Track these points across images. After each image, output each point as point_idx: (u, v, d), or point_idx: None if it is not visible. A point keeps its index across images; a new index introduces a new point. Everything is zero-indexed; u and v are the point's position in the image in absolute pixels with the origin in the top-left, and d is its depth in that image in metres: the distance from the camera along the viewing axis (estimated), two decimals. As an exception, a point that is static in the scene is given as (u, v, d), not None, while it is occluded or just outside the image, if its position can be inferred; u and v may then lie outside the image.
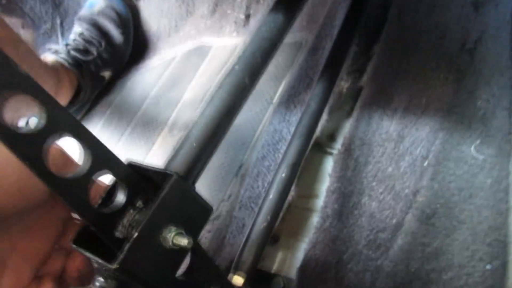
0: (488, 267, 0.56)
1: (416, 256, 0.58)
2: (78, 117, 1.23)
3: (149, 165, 0.41)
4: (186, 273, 0.44)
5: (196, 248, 0.44)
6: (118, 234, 0.38)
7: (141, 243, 0.35)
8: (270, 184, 0.62)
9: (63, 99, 1.18)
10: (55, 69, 1.14)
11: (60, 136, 0.32)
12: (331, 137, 0.77)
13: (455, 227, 0.59)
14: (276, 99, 0.94)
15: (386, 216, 0.62)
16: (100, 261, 0.36)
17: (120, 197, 0.39)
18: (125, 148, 1.12)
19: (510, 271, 0.54)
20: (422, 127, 0.67)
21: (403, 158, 0.65)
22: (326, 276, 0.61)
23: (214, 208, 0.89)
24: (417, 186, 0.61)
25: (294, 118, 0.81)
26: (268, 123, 0.87)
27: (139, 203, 0.40)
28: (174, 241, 0.36)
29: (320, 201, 0.72)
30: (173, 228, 0.37)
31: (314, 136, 0.73)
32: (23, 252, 0.36)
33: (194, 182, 0.43)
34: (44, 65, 1.12)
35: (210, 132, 0.44)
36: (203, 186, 0.94)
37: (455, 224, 0.58)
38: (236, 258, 0.57)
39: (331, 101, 0.77)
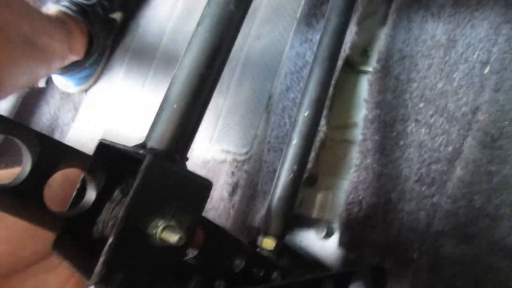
0: None
1: (481, 188, 0.48)
2: (99, 69, 1.15)
3: (120, 145, 0.33)
4: (199, 255, 0.37)
5: (206, 226, 0.37)
6: (96, 235, 0.31)
7: (121, 248, 0.28)
8: (293, 126, 0.52)
9: (78, 52, 1.10)
10: (61, 21, 1.05)
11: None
12: (364, 53, 0.64)
13: (530, 146, 0.47)
14: (299, 12, 0.80)
15: (439, 143, 0.51)
16: (78, 273, 0.29)
17: (90, 193, 0.32)
18: (151, 92, 1.05)
19: None
20: (479, 23, 0.53)
21: (457, 67, 0.52)
22: (373, 221, 0.53)
23: (248, 147, 0.82)
24: (476, 102, 0.49)
25: (318, 35, 0.68)
26: (289, 46, 0.74)
27: (117, 194, 0.32)
28: (162, 237, 0.29)
29: (358, 131, 0.62)
30: (160, 222, 0.29)
31: (342, 55, 0.60)
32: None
33: (183, 156, 0.34)
34: (48, 18, 1.03)
35: (194, 87, 0.34)
36: (234, 124, 0.87)
37: (530, 143, 0.47)
38: (264, 219, 0.50)
39: (359, 7, 0.63)
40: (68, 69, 1.07)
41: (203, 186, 0.33)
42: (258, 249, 0.49)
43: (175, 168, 0.31)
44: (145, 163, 0.28)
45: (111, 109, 1.04)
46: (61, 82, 1.10)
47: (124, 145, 0.33)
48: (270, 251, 0.47)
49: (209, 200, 0.88)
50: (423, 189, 0.51)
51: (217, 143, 0.89)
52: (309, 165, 0.58)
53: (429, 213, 0.50)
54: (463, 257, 0.47)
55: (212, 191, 0.89)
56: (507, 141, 0.47)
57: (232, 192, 0.81)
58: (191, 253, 0.37)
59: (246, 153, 0.83)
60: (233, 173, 0.83)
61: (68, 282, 0.36)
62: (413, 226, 0.51)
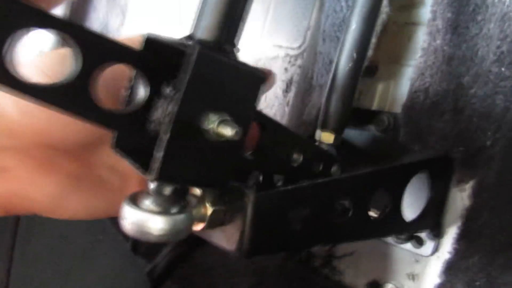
0: None
1: None
2: None
3: (168, 38, 0.31)
4: (256, 150, 0.37)
5: (261, 120, 0.36)
6: (152, 134, 0.31)
7: (177, 144, 0.28)
8: (351, 8, 0.47)
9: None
10: None
11: (27, 28, 0.23)
12: None
13: None
14: None
15: (527, 14, 0.43)
16: (139, 170, 0.30)
17: (141, 90, 0.31)
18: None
19: None
20: None
21: None
22: (441, 108, 0.49)
23: (300, 41, 0.77)
24: None
25: None
26: None
27: (169, 90, 0.31)
28: (218, 132, 0.28)
29: (426, 10, 0.55)
30: (214, 116, 0.28)
31: None
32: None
33: (233, 46, 0.31)
34: None
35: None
36: (284, 16, 0.81)
37: None
38: (321, 112, 0.47)
39: None
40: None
41: (256, 77, 0.31)
42: (316, 143, 0.47)
43: (226, 59, 0.29)
44: (194, 55, 0.27)
45: (158, 10, 1.01)
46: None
47: (171, 38, 0.31)
48: (328, 144, 0.46)
49: (262, 98, 0.86)
50: (502, 69, 0.45)
51: (268, 38, 0.84)
52: (370, 53, 0.53)
53: (507, 96, 0.45)
54: (545, 143, 0.42)
55: (266, 89, 0.87)
56: None
57: (286, 89, 0.78)
58: (248, 148, 0.36)
59: (299, 46, 0.78)
60: (286, 69, 0.79)
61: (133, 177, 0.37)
62: (488, 112, 0.46)
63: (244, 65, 0.30)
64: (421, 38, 0.54)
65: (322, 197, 0.39)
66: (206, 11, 0.30)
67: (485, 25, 0.46)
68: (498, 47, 0.45)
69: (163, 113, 0.30)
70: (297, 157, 0.40)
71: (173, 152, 0.27)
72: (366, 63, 0.53)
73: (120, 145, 0.31)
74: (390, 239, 0.56)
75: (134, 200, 0.30)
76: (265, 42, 0.84)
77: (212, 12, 0.30)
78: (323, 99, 0.49)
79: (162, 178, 0.28)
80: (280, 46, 0.81)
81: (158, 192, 0.30)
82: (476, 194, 0.46)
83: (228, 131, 0.27)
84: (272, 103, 0.80)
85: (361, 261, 0.62)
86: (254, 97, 0.30)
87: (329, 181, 0.40)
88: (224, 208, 0.35)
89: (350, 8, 0.52)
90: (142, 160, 0.30)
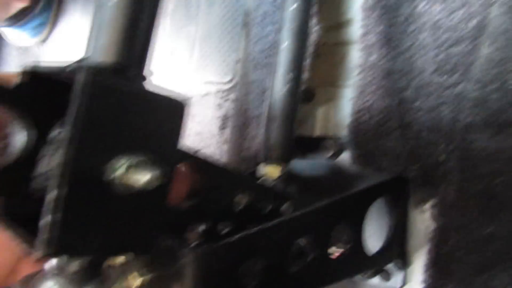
0: None
1: (516, 64, 0.39)
2: (52, 13, 1.00)
3: (53, 66, 0.24)
4: (190, 199, 0.30)
5: (192, 163, 0.29)
6: (38, 192, 0.23)
7: (73, 204, 0.20)
8: (280, 25, 0.43)
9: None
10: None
11: None
12: None
13: None
14: None
15: (458, 19, 0.42)
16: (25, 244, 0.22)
17: (21, 136, 0.23)
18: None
19: None
20: None
21: None
22: (388, 126, 0.45)
23: (231, 74, 0.72)
24: (501, -43, 0.39)
25: None
26: None
27: (56, 133, 0.24)
28: (126, 181, 0.21)
29: (356, 27, 0.52)
30: (120, 161, 0.21)
31: None
32: None
33: (140, 68, 0.25)
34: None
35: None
36: (212, 51, 0.77)
37: None
38: (262, 144, 0.42)
39: None
40: (17, 19, 0.93)
41: (173, 106, 0.24)
42: (260, 180, 0.41)
43: (129, 87, 0.22)
44: (83, 85, 0.20)
45: (74, 56, 0.93)
46: (14, 35, 0.97)
47: (59, 65, 0.24)
48: (275, 180, 0.40)
49: (198, 139, 0.80)
50: (443, 78, 0.43)
51: (197, 75, 0.79)
52: (305, 75, 0.49)
53: (453, 106, 0.42)
54: (500, 149, 0.40)
55: (201, 128, 0.81)
56: (544, 1, 0.38)
57: (222, 126, 0.72)
58: (180, 197, 0.29)
59: (231, 80, 0.73)
60: (219, 105, 0.74)
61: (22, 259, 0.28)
62: (436, 124, 0.43)
63: (156, 92, 0.23)
64: (354, 56, 0.51)
65: (275, 243, 0.33)
66: (101, 28, 0.24)
67: (419, 35, 0.44)
68: (436, 55, 0.43)
69: (51, 164, 0.22)
70: (241, 200, 0.34)
71: (69, 216, 0.20)
72: (302, 86, 0.50)
73: (9, 212, 0.23)
74: (356, 276, 0.50)
75: (29, 285, 0.22)
76: (194, 80, 0.79)
77: (109, 29, 0.24)
78: (262, 130, 0.44)
79: (56, 252, 0.20)
80: (211, 82, 0.76)
81: (61, 270, 0.22)
82: (438, 214, 0.42)
83: (140, 178, 0.20)
84: (210, 142, 0.74)
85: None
86: (174, 130, 0.24)
87: (281, 222, 0.33)
88: (156, 276, 0.27)
89: (279, 31, 0.48)
90: (29, 230, 0.22)
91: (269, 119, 0.41)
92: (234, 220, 0.35)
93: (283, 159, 0.40)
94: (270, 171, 0.39)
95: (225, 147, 0.70)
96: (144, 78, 0.26)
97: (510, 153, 0.39)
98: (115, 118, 0.21)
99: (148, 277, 0.27)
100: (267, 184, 0.40)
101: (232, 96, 0.72)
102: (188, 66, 0.83)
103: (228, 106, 0.72)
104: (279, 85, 0.41)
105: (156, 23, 0.26)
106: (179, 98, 0.24)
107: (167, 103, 0.23)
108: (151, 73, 0.26)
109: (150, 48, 0.26)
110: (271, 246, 0.33)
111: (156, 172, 0.20)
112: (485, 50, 0.40)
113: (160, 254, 0.28)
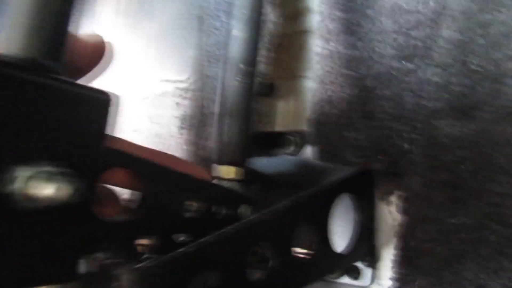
0: None
1: (475, 45, 0.38)
2: None
3: None
4: (130, 209, 0.26)
5: (129, 164, 0.26)
6: None
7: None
8: (229, 11, 0.39)
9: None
10: None
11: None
12: None
13: (527, -20, 0.37)
14: None
15: (417, 1, 0.40)
16: None
17: None
18: None
19: None
20: None
21: None
22: (350, 115, 0.43)
23: (189, 71, 0.68)
24: None
25: None
26: None
27: None
28: (29, 192, 0.17)
29: (314, 17, 0.50)
30: (22, 170, 0.17)
31: None
32: None
33: (56, 60, 0.21)
34: None
35: None
36: (168, 48, 0.73)
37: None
38: (215, 142, 0.39)
39: None
40: None
41: (94, 103, 0.20)
42: (214, 182, 0.38)
43: (39, 78, 0.18)
44: None
45: None
46: None
47: None
48: (230, 180, 0.37)
49: (158, 140, 0.75)
50: (403, 63, 0.41)
51: (153, 73, 0.75)
52: (262, 67, 0.46)
53: (415, 91, 0.40)
54: (464, 135, 0.38)
55: (160, 129, 0.76)
56: (502, -22, 0.36)
57: (182, 126, 0.69)
58: (117, 208, 0.26)
59: (188, 78, 0.69)
60: (178, 104, 0.70)
61: None
62: (399, 112, 0.41)
63: (76, 86, 0.20)
64: (315, 43, 0.49)
65: (231, 251, 0.30)
66: (6, 14, 0.20)
67: (377, 18, 0.42)
68: (394, 40, 0.41)
69: None
70: (190, 205, 0.31)
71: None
72: (260, 79, 0.46)
73: None
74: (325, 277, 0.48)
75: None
76: (150, 78, 0.75)
77: (13, 15, 0.20)
78: (215, 137, 0.41)
79: None
80: (168, 80, 0.72)
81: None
82: (405, 205, 0.40)
83: (45, 190, 0.16)
84: (169, 143, 0.70)
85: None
86: (96, 131, 0.20)
87: (236, 228, 0.30)
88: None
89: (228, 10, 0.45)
90: None
91: (221, 115, 0.38)
92: (187, 229, 0.31)
93: (238, 158, 0.37)
94: (224, 172, 0.36)
95: (186, 148, 0.67)
96: (58, 72, 0.22)
97: (474, 139, 0.37)
98: (14, 116, 0.17)
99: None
100: (221, 185, 0.37)
101: (190, 94, 0.69)
102: (144, 64, 0.79)
103: (187, 105, 0.68)
104: (230, 78, 0.38)
105: (73, 12, 0.22)
106: (102, 93, 0.21)
107: (86, 99, 0.20)
108: (68, 68, 0.22)
109: (66, 39, 0.22)
110: (227, 255, 0.29)
111: (63, 184, 0.16)
112: (445, 32, 0.39)
113: (97, 278, 0.24)
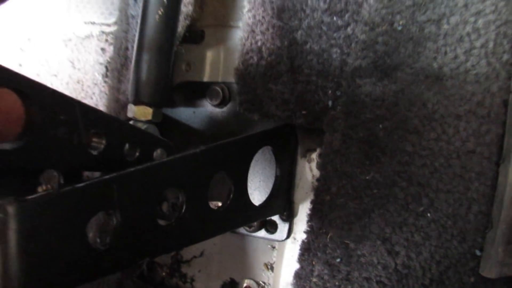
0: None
1: (403, 5, 0.38)
2: None
3: None
4: (20, 136, 0.23)
5: (20, 86, 0.22)
6: None
7: None
8: None
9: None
10: None
11: None
12: None
13: None
14: None
15: (352, -46, 0.39)
16: None
17: None
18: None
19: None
20: None
21: None
22: (278, 69, 0.42)
23: (117, 15, 0.63)
24: None
25: None
26: None
27: None
28: None
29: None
30: None
31: None
32: None
33: None
34: None
35: None
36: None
37: None
38: (131, 81, 0.36)
39: None
40: None
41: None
42: (130, 122, 0.36)
43: None
44: None
45: None
46: None
47: None
48: (146, 122, 0.34)
49: (79, 87, 0.70)
50: (334, 19, 0.40)
51: (77, 14, 0.68)
52: (190, 10, 0.43)
53: (343, 48, 0.40)
54: (384, 95, 0.39)
55: (82, 75, 0.70)
56: None
57: (106, 73, 0.64)
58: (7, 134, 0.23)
59: (115, 22, 0.64)
60: (103, 49, 0.65)
61: None
62: (325, 68, 0.41)
63: None
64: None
65: (137, 193, 0.28)
66: None
67: (312, -31, 0.40)
68: (327, -7, 0.40)
69: None
70: (98, 142, 0.28)
71: None
72: (186, 21, 0.44)
73: None
74: (241, 229, 0.48)
75: None
76: (74, 19, 0.68)
77: None
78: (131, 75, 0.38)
79: None
80: (93, 23, 0.66)
81: None
82: (324, 161, 0.41)
83: None
84: (92, 91, 0.65)
85: (213, 261, 0.53)
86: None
87: (144, 169, 0.28)
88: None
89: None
90: None
91: (138, 51, 0.35)
92: (95, 167, 0.29)
93: (155, 99, 0.35)
94: (140, 113, 0.34)
95: (109, 96, 0.62)
96: None
97: (393, 99, 0.38)
98: None
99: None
100: (136, 126, 0.34)
101: (115, 38, 0.64)
102: (67, 2, 0.71)
103: (113, 50, 0.63)
104: (151, 11, 0.35)
105: None
106: None
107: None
108: None
109: None
110: (134, 195, 0.28)
111: None
112: (376, -11, 0.38)
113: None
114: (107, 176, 0.26)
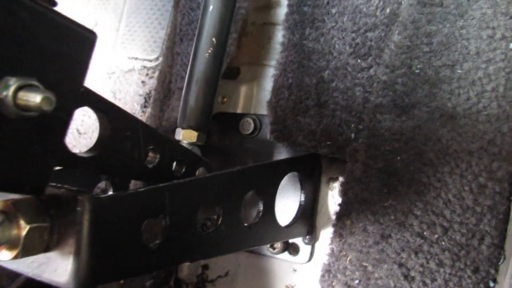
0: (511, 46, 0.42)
1: (420, 51, 0.43)
2: None
3: None
4: (96, 147, 0.28)
5: (100, 105, 0.27)
6: None
7: None
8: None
9: None
10: None
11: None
12: None
13: (469, 2, 0.42)
14: None
15: (375, 6, 0.44)
16: None
17: None
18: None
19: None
20: None
21: None
22: (306, 103, 0.47)
23: (158, 52, 0.70)
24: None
25: None
26: None
27: None
28: (19, 100, 0.19)
29: (283, 11, 0.54)
30: (12, 80, 0.19)
31: None
32: None
33: None
34: None
35: None
36: (139, 26, 0.74)
37: (470, -2, 0.42)
38: (180, 109, 0.41)
39: None
40: None
41: (82, 36, 0.22)
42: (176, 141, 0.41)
43: (30, 3, 0.20)
44: None
45: None
46: None
47: None
48: (192, 144, 0.39)
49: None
50: (358, 61, 0.45)
51: (122, 50, 0.76)
52: (230, 50, 0.49)
53: (365, 87, 0.45)
54: (402, 130, 0.43)
55: (122, 105, 0.77)
56: (448, -4, 0.42)
57: (145, 104, 0.70)
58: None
59: (157, 58, 0.71)
60: (143, 82, 0.71)
61: None
62: (349, 104, 0.45)
63: (64, 17, 0.22)
64: (280, 37, 0.52)
65: (184, 202, 0.32)
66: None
67: (340, 18, 0.46)
68: (353, 39, 0.45)
69: None
70: (153, 157, 0.33)
71: None
72: (227, 62, 0.49)
73: None
74: (265, 251, 0.52)
75: None
76: (119, 54, 0.76)
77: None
78: (181, 103, 0.43)
79: None
80: (136, 58, 0.73)
81: None
82: (346, 188, 0.44)
83: (32, 98, 0.19)
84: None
85: (237, 281, 0.56)
86: (80, 61, 0.22)
87: (191, 181, 0.33)
88: (47, 225, 0.25)
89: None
90: None
91: (189, 82, 0.40)
92: (146, 178, 0.34)
93: (200, 124, 0.40)
94: (186, 135, 0.39)
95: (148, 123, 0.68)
96: (53, 3, 0.24)
97: (410, 134, 0.42)
98: (11, 35, 0.19)
99: (38, 225, 0.25)
100: (183, 146, 0.39)
101: (156, 74, 0.71)
102: (113, 40, 0.79)
103: (152, 84, 0.70)
104: (202, 48, 0.40)
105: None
106: (90, 31, 0.23)
107: (75, 30, 0.22)
108: (56, 3, 0.24)
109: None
110: (179, 204, 0.32)
111: (49, 95, 0.19)
112: (395, 37, 0.44)
113: (55, 201, 0.26)
114: (161, 184, 0.30)
